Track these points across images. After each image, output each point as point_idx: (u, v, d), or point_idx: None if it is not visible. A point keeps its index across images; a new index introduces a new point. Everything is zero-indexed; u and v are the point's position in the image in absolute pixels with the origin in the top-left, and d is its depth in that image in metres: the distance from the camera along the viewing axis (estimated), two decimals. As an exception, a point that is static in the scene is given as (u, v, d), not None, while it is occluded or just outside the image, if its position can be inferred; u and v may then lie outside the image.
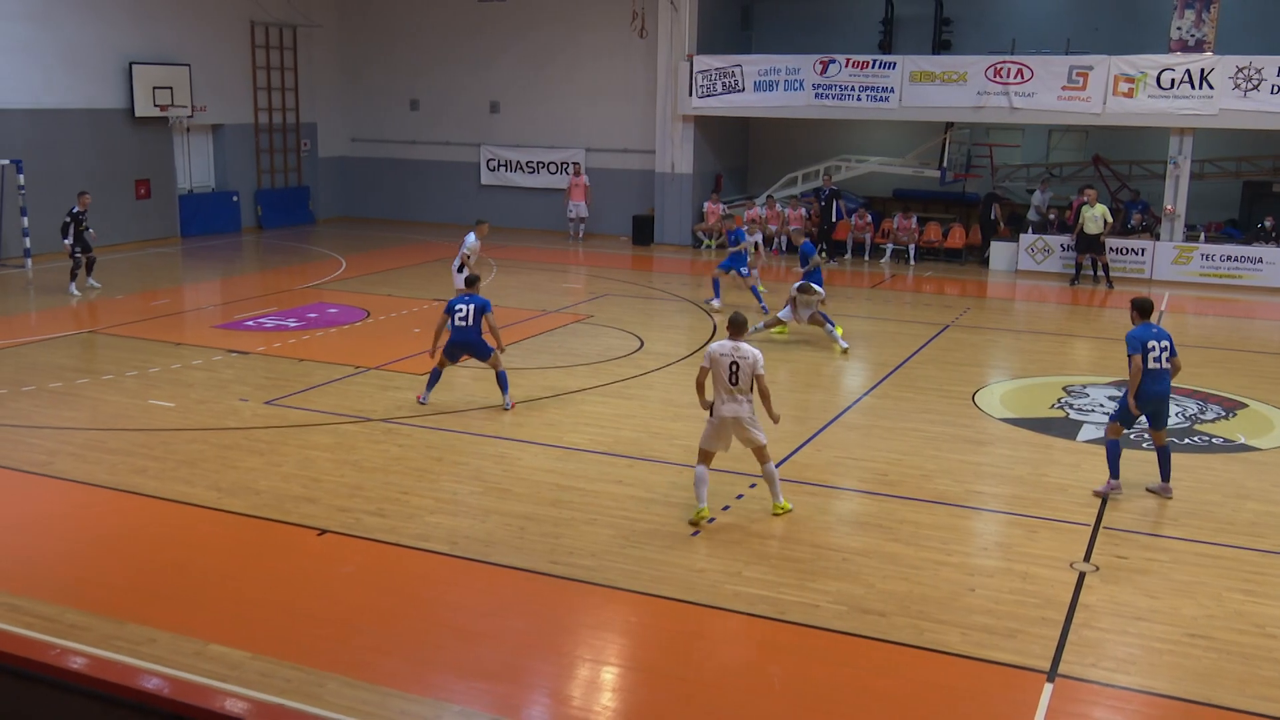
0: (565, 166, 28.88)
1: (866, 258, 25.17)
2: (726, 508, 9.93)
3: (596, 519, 9.56)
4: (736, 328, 9.56)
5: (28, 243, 22.33)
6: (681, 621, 7.82)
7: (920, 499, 10.20)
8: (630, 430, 12.06)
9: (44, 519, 9.77)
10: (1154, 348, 9.99)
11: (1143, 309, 10.20)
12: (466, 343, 12.75)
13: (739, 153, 29.35)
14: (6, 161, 22.34)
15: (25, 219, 22.29)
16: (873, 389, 14.14)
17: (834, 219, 25.03)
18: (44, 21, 23.40)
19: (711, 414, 9.41)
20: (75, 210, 19.71)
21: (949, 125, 25.57)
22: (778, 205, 26.26)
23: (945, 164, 25.73)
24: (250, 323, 17.60)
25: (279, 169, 29.84)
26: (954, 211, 26.78)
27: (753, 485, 10.45)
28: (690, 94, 26.04)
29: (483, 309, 12.67)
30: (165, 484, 10.32)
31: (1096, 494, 10.26)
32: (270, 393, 13.49)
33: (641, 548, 8.97)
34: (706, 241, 26.44)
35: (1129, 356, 10.00)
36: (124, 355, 15.19)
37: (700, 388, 9.59)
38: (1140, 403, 10.00)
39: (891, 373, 14.90)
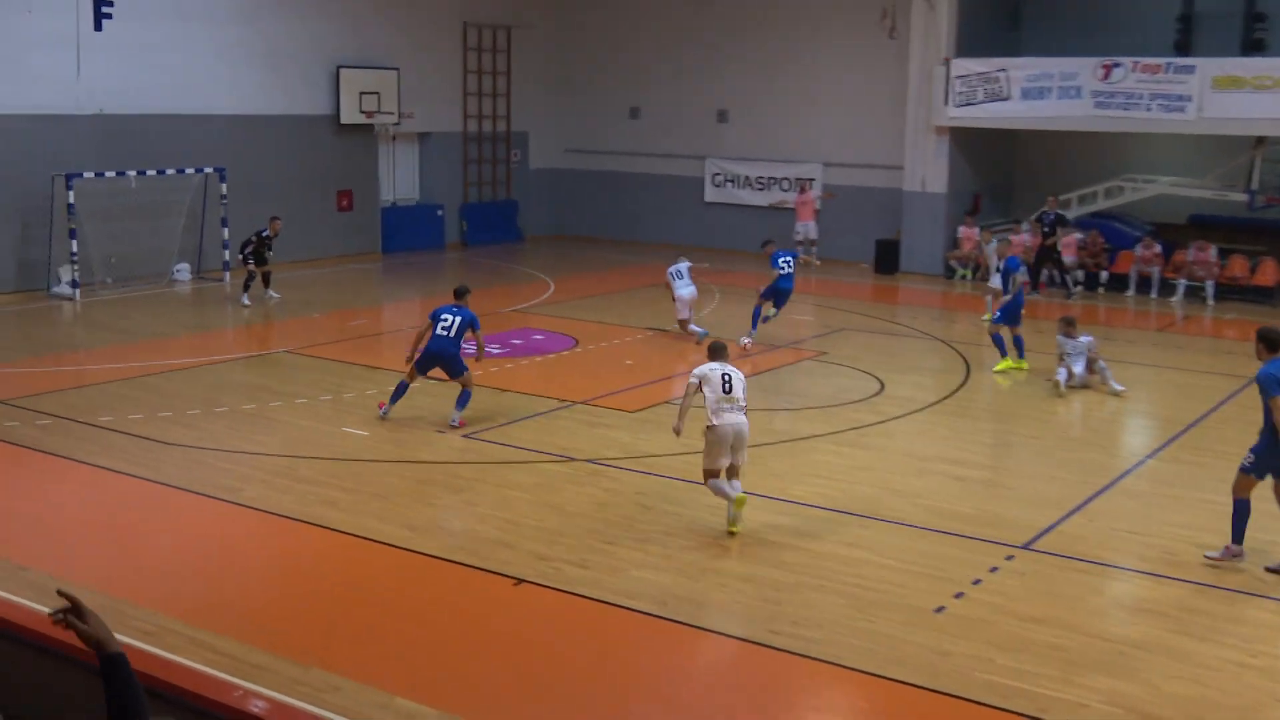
0: (800, 182, 28.84)
1: (1154, 295, 24.10)
2: (978, 581, 9.63)
3: (824, 585, 9.47)
4: (716, 353, 10.81)
5: (227, 255, 23.81)
6: (922, 711, 7.63)
7: (1217, 586, 9.68)
8: (866, 485, 11.96)
9: (231, 549, 10.34)
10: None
11: (1270, 342, 9.77)
12: (441, 354, 13.56)
13: (1002, 170, 28.77)
14: (210, 169, 23.89)
15: (225, 230, 23.79)
16: (1158, 451, 13.58)
17: (1057, 251, 24.12)
18: (251, 24, 25.00)
19: (704, 430, 10.44)
20: (264, 233, 20.92)
21: (1259, 140, 24.28)
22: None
23: (1254, 186, 24.41)
24: None
25: (486, 181, 30.92)
26: (1263, 242, 25.34)
27: (1010, 558, 10.10)
28: (946, 102, 25.75)
29: (470, 323, 13.55)
30: (355, 518, 10.71)
31: (1211, 559, 9.89)
32: (470, 425, 13.84)
33: (876, 621, 8.83)
34: (961, 271, 26.03)
35: (1270, 398, 9.52)
36: (318, 377, 15.96)
37: (684, 411, 10.70)
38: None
39: (1182, 432, 14.26)
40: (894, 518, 11.03)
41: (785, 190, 29.10)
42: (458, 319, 13.67)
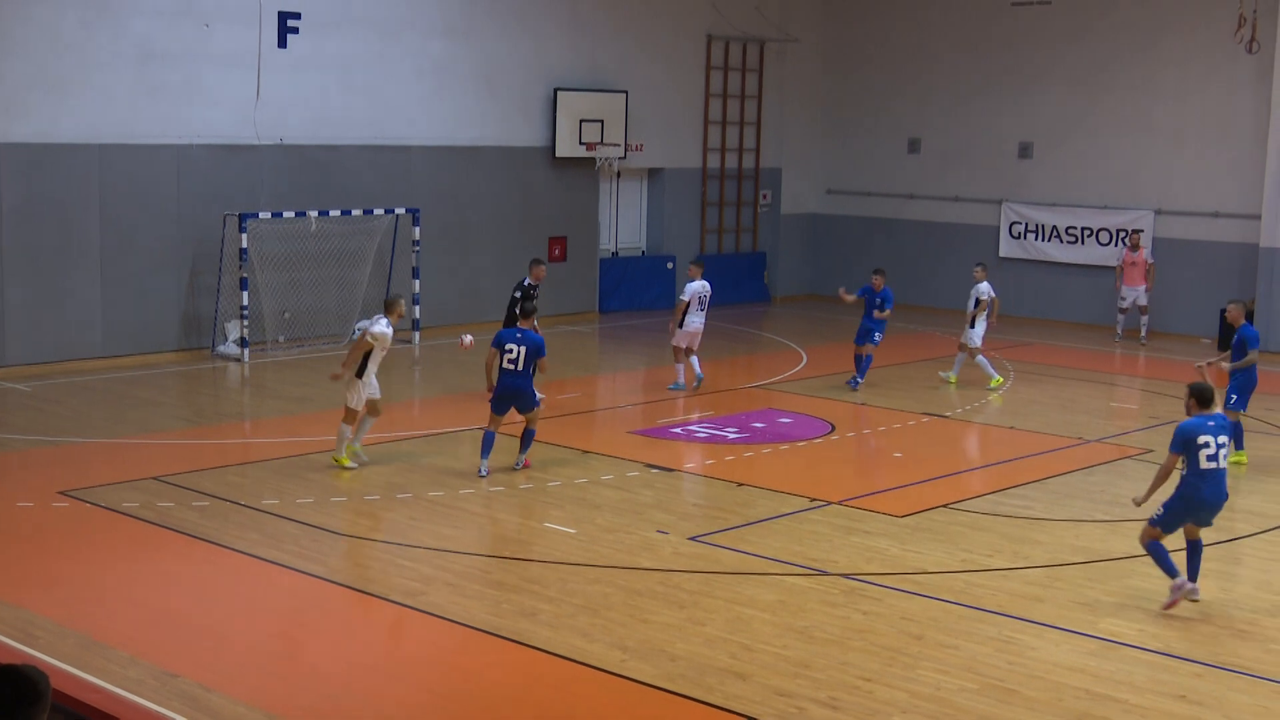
0: (1122, 235, 28.18)
1: None
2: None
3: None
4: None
5: (417, 312, 24.62)
6: None
7: None
8: (1204, 622, 11.60)
9: (408, 662, 10.58)
10: (1209, 444, 11.57)
11: (1200, 397, 11.80)
12: (515, 391, 14.09)
13: None
14: (402, 210, 24.80)
15: (417, 282, 24.64)
16: None
17: None
18: (456, 40, 25.90)
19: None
20: (526, 283, 19.84)
21: None
22: None
23: None
24: (678, 430, 18.32)
25: (729, 228, 31.26)
26: None
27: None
28: None
29: (537, 350, 13.89)
30: (558, 634, 10.83)
31: (1166, 608, 11.56)
32: (698, 525, 13.88)
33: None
34: None
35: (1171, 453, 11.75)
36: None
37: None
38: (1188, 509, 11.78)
39: None
40: (1239, 666, 10.67)
41: (1103, 245, 28.43)
42: (523, 349, 14.18)
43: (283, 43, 23.36)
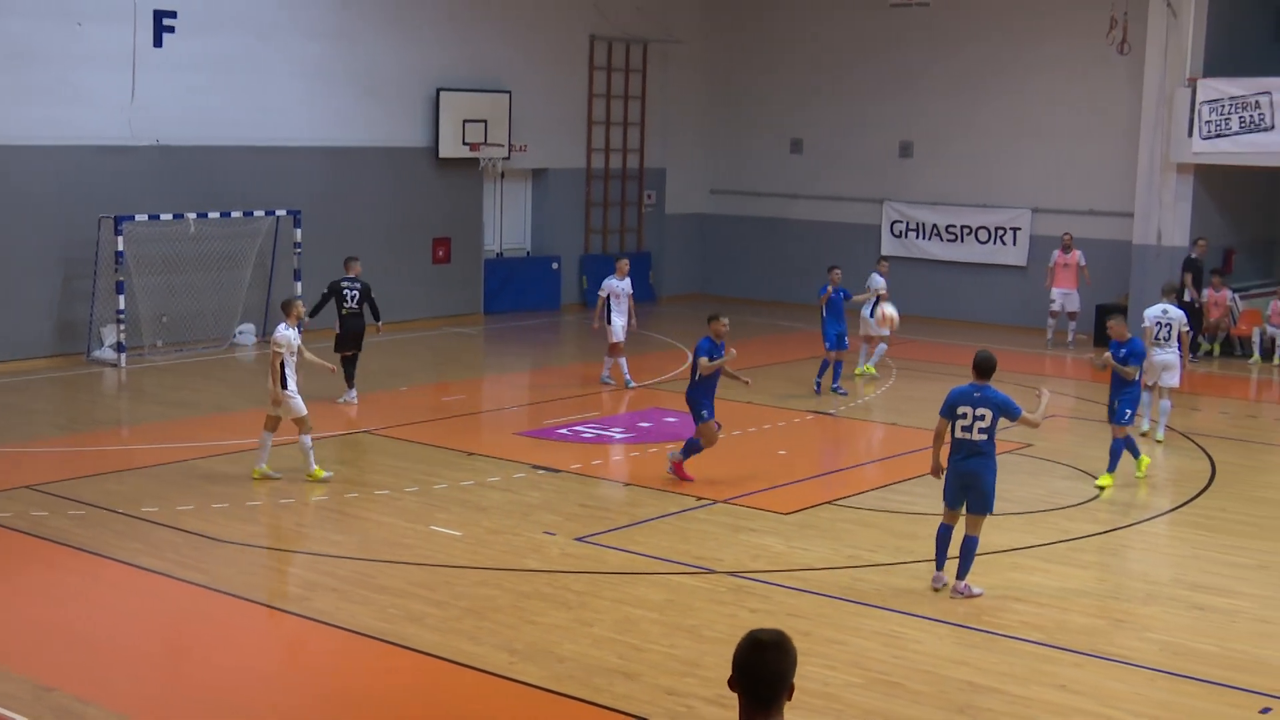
0: (1002, 233, 28.66)
1: None
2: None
3: (1029, 739, 9.17)
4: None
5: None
6: None
7: None
8: (1081, 613, 11.78)
9: (293, 669, 10.49)
10: (966, 414, 11.84)
11: (981, 368, 12.04)
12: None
13: (1262, 220, 28.27)
14: (282, 212, 24.54)
15: (299, 284, 24.34)
16: None
17: (1198, 302, 24.45)
18: (337, 40, 25.68)
19: None
20: (343, 281, 19.94)
21: None
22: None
23: None
24: (564, 431, 18.23)
25: (613, 229, 31.30)
26: None
27: (1267, 710, 9.76)
28: (1190, 133, 25.45)
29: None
30: (446, 638, 10.78)
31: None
32: (585, 525, 13.86)
33: (1094, 787, 8.59)
34: (1206, 346, 25.59)
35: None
36: (404, 465, 16.16)
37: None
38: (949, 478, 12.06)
39: None
40: (1119, 656, 10.82)
41: (982, 243, 28.85)
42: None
43: (159, 42, 23.00)
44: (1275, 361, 24.80)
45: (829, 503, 14.93)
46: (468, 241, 28.33)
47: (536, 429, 18.49)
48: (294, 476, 15.48)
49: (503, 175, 29.29)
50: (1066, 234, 26.89)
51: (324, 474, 15.32)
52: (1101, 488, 15.79)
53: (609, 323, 21.00)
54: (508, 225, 30.05)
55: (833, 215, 30.99)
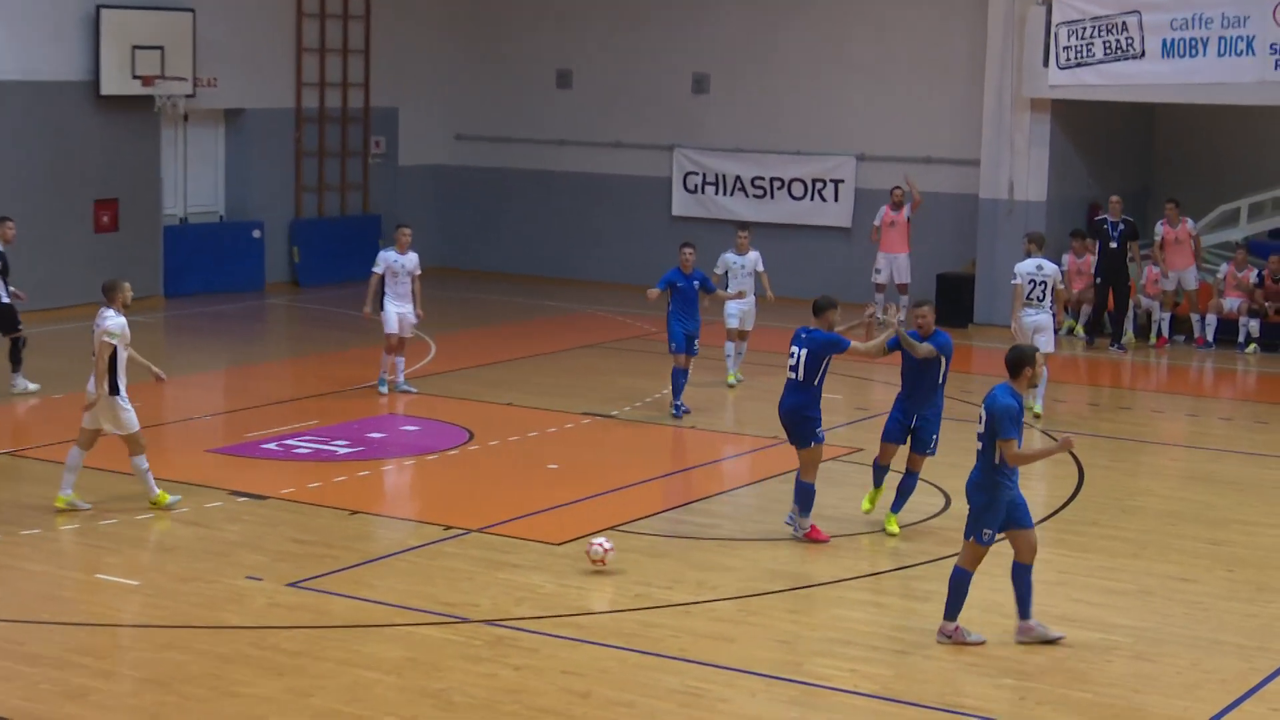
0: (821, 187, 27.10)
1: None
2: None
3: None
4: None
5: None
6: None
7: None
8: (925, 656, 11.18)
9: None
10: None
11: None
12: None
13: (1134, 166, 27.67)
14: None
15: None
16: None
17: (1128, 274, 23.91)
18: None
19: None
20: None
21: None
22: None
23: None
24: (272, 445, 16.97)
25: (332, 186, 28.71)
26: None
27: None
28: (1046, 63, 24.71)
29: (829, 346, 13.29)
30: (117, 718, 9.80)
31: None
32: (300, 567, 12.79)
33: None
34: (1069, 322, 24.48)
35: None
36: (56, 494, 14.46)
37: None
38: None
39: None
40: (969, 709, 10.12)
41: (797, 199, 27.34)
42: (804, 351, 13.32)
43: None
44: (1150, 341, 23.82)
45: (611, 529, 13.88)
46: (141, 204, 25.39)
47: (235, 444, 17.04)
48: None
49: (186, 118, 26.44)
50: (897, 188, 25.30)
51: (169, 498, 14.05)
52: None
53: (383, 310, 18.95)
54: (194, 182, 27.23)
55: (611, 166, 29.27)
